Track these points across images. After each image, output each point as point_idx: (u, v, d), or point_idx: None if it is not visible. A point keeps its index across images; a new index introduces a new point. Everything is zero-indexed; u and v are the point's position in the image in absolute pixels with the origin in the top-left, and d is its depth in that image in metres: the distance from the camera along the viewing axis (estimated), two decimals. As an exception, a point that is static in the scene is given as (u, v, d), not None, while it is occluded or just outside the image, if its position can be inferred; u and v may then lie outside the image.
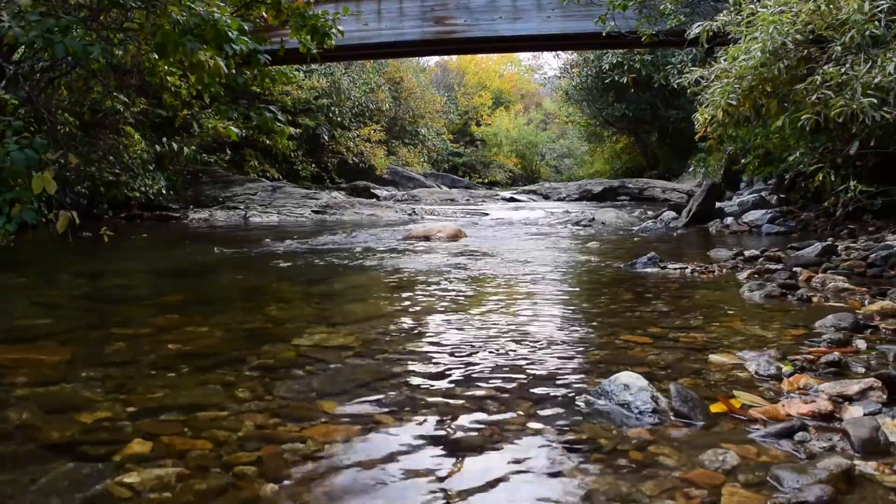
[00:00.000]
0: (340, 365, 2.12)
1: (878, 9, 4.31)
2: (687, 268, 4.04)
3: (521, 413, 1.67)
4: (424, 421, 1.63)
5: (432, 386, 1.90)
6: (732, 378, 1.91)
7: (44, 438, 1.52)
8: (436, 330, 2.62)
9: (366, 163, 19.15)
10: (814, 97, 4.47)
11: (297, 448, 1.46)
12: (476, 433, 1.55)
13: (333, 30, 5.31)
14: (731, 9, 5.61)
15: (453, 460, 1.40)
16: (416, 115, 25.13)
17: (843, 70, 4.37)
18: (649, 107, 18.64)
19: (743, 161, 8.49)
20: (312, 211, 11.26)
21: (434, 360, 2.17)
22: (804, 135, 6.01)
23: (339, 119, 17.73)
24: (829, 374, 1.90)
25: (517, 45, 11.86)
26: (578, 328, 2.74)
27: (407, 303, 3.21)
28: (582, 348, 2.35)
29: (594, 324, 2.78)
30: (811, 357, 2.04)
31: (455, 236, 6.41)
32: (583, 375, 1.99)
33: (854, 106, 4.23)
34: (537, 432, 1.54)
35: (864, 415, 1.56)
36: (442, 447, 1.47)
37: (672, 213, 8.28)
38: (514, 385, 1.90)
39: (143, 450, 1.45)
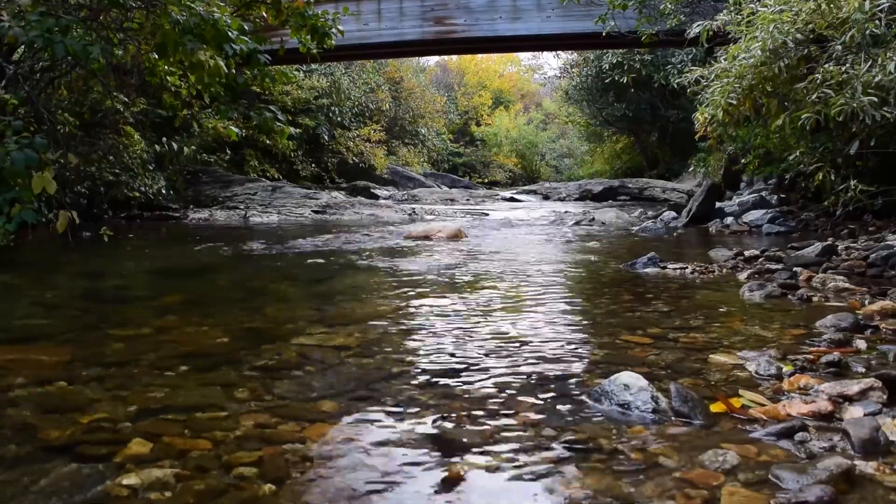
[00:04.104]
0: (340, 365, 2.12)
1: (879, 8, 4.31)
2: (687, 268, 4.04)
3: (521, 413, 1.67)
4: (424, 421, 1.62)
5: (432, 386, 1.90)
6: (732, 378, 1.91)
7: (44, 439, 1.52)
8: (436, 330, 2.62)
9: (366, 163, 19.16)
10: (814, 96, 4.46)
11: (297, 448, 1.46)
12: (476, 433, 1.55)
13: (333, 30, 5.31)
14: (732, 8, 5.61)
15: (454, 460, 1.40)
16: (416, 115, 25.12)
17: (843, 69, 4.36)
18: (649, 107, 18.64)
19: (743, 161, 8.48)
20: (312, 211, 11.25)
21: (434, 360, 2.17)
22: (804, 134, 6.01)
23: (339, 119, 17.73)
24: (829, 374, 1.90)
25: (517, 45, 11.89)
26: (578, 328, 2.73)
27: (407, 303, 3.21)
28: (582, 348, 2.35)
29: (594, 324, 2.78)
30: (811, 357, 2.04)
31: (455, 236, 6.40)
32: (583, 375, 1.99)
33: (854, 105, 4.22)
34: (537, 432, 1.54)
35: (865, 415, 1.56)
36: (442, 447, 1.47)
37: (672, 213, 8.28)
38: (514, 385, 1.90)
39: (142, 450, 1.45)
